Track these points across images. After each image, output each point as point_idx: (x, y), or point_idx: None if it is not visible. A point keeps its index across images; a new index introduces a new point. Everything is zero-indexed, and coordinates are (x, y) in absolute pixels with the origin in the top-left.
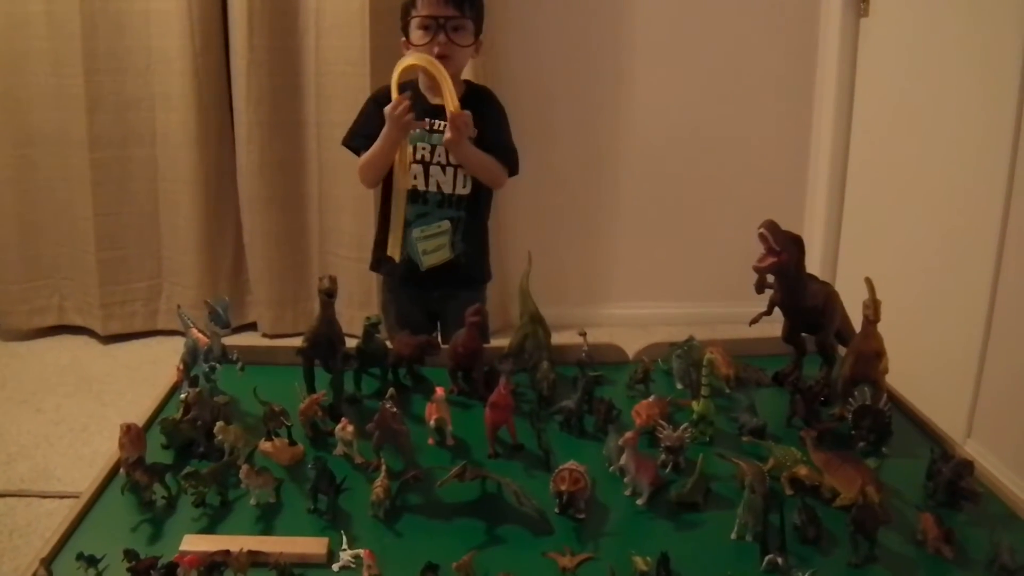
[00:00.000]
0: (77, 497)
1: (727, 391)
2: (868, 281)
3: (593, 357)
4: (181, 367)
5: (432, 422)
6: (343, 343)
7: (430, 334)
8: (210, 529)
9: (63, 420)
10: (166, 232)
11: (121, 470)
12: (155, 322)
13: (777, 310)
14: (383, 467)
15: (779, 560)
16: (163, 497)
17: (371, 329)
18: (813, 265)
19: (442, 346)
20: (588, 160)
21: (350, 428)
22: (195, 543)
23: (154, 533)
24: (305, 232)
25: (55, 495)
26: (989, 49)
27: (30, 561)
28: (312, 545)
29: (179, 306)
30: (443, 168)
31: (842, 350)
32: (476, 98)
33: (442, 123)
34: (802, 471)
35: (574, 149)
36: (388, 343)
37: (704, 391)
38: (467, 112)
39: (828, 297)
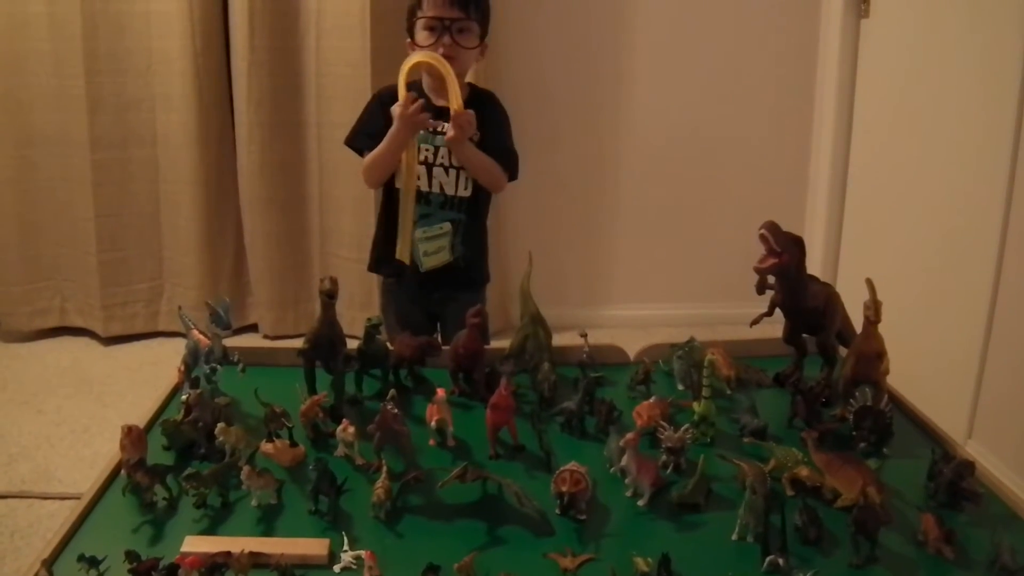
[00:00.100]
0: (78, 498)
1: (728, 392)
2: (869, 282)
3: (594, 358)
4: (182, 368)
5: (433, 423)
6: (344, 344)
7: (430, 335)
8: (211, 530)
9: (64, 421)
10: (167, 233)
11: (122, 471)
12: (156, 323)
13: (778, 311)
14: (384, 468)
15: (780, 561)
16: (164, 498)
17: (372, 330)
18: (814, 266)
19: (443, 347)
20: (589, 161)
21: (351, 429)
22: (196, 544)
23: (155, 534)
24: (306, 233)
25: (56, 496)
26: (989, 50)
27: (31, 562)
28: (313, 546)
29: (180, 307)
30: (446, 170)
31: (843, 351)
32: (479, 101)
33: (445, 124)
34: (803, 472)
35: (575, 150)
36: (389, 344)
37: (705, 392)
38: (470, 111)
39: (829, 298)
